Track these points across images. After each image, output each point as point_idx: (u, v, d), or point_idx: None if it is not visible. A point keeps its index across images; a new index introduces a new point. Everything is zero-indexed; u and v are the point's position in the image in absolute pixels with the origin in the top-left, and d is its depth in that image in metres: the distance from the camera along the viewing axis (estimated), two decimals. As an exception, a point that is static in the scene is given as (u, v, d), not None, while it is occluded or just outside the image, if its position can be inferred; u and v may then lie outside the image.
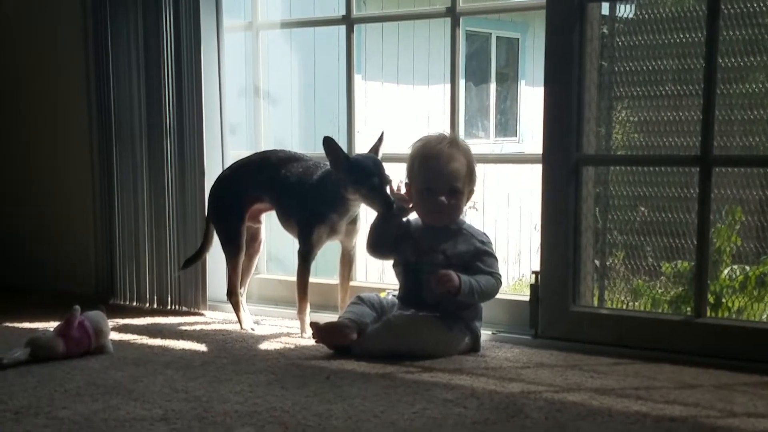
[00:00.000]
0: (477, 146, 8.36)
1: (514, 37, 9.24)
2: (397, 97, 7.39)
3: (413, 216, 2.92)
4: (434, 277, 2.69)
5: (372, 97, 6.98)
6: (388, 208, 2.84)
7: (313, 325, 2.83)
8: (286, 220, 3.14)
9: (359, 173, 2.87)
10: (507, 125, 9.40)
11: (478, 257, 2.78)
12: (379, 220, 2.90)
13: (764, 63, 2.73)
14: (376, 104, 6.99)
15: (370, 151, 3.01)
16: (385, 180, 2.88)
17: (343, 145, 3.34)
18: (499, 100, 9.26)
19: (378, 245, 2.92)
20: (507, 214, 7.88)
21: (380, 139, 3.03)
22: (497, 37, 9.04)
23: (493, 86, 9.11)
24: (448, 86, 3.29)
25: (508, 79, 9.45)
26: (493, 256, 2.82)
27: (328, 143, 2.89)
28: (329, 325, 2.80)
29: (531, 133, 8.94)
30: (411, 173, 2.86)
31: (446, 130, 2.95)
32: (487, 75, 9.08)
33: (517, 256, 8.11)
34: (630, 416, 2.17)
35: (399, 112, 7.15)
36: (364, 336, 2.75)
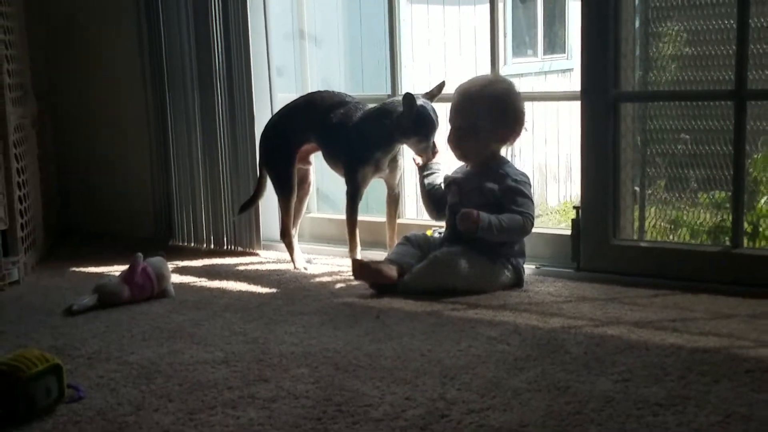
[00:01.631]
0: (526, 64, 8.37)
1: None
2: (444, 18, 7.36)
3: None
4: (458, 216, 2.82)
5: (418, 21, 6.96)
6: (432, 154, 3.07)
7: (355, 262, 2.96)
8: (332, 160, 3.26)
9: (422, 124, 3.03)
10: (555, 42, 9.31)
11: (509, 195, 2.88)
12: (421, 183, 3.12)
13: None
14: (422, 28, 6.97)
15: (426, 95, 3.11)
16: (436, 129, 3.07)
17: (388, 83, 3.43)
18: (546, 17, 9.16)
19: (433, 205, 3.14)
20: (557, 132, 7.89)
21: (440, 88, 3.14)
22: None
23: (540, 2, 9.01)
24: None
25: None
26: (524, 194, 2.89)
27: (408, 99, 3.01)
28: (369, 264, 2.93)
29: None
30: None
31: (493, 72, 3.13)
32: (535, -9, 8.97)
33: (568, 173, 8.13)
34: (665, 348, 2.28)
35: (446, 35, 7.14)
36: (410, 273, 2.88)
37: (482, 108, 2.91)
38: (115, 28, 3.92)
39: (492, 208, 2.85)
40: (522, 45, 8.82)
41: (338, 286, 3.07)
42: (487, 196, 2.89)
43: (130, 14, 3.79)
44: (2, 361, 2.01)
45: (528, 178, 2.95)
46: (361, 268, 2.93)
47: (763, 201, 2.99)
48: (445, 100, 3.11)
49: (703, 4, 2.87)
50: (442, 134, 3.08)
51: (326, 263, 3.42)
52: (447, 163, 3.16)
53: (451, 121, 2.99)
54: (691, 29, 2.91)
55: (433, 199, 3.13)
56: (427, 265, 2.88)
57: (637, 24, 2.92)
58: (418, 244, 2.99)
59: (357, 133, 3.13)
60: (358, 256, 3.20)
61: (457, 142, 2.98)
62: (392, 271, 2.89)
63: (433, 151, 3.08)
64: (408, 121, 3.02)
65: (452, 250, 2.89)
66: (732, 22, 2.71)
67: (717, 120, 2.87)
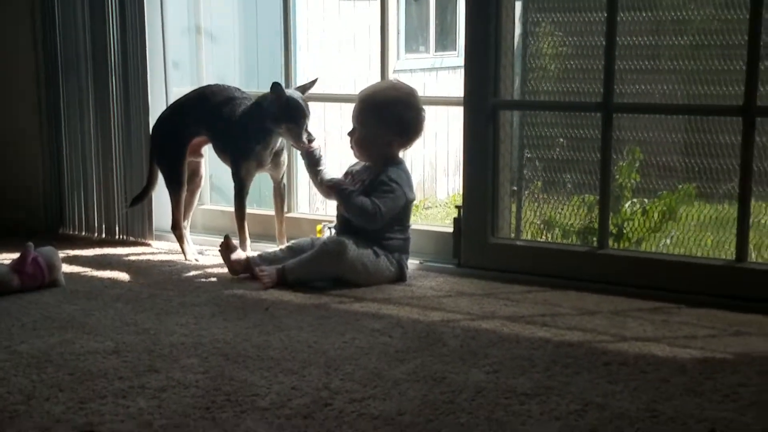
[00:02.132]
0: (418, 60, 8.54)
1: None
2: (339, 13, 7.46)
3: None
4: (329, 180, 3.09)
5: (314, 14, 7.05)
6: (298, 143, 3.17)
7: (226, 239, 3.14)
8: (221, 153, 3.35)
9: (291, 110, 3.13)
10: (447, 39, 9.51)
11: (376, 187, 3.05)
12: (312, 176, 3.23)
13: (656, 17, 2.98)
14: (318, 22, 7.06)
15: (299, 88, 3.25)
16: (307, 117, 3.17)
17: (282, 78, 3.54)
18: (439, 14, 9.35)
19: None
20: (447, 127, 8.10)
21: (312, 83, 3.29)
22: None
23: (432, 0, 9.19)
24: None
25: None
26: (387, 191, 3.03)
27: (276, 88, 3.13)
28: (232, 245, 3.15)
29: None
30: None
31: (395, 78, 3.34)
32: (426, -12, 9.14)
33: (457, 168, 8.37)
34: (534, 342, 2.46)
35: (340, 30, 7.24)
36: (298, 259, 3.01)
37: (371, 112, 3.06)
38: (11, 12, 3.88)
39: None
40: (414, 41, 8.99)
41: (229, 277, 3.15)
42: (364, 186, 3.07)
43: (26, 2, 3.76)
44: None
45: (403, 183, 3.07)
46: (226, 248, 3.14)
47: (627, 205, 3.22)
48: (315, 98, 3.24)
49: (578, 22, 3.08)
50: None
51: (217, 255, 3.48)
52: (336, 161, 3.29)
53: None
54: (566, 44, 3.12)
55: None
56: (315, 252, 3.00)
57: (516, 37, 3.11)
58: (301, 250, 3.11)
59: (239, 128, 3.23)
60: (248, 249, 3.30)
61: (351, 142, 3.15)
62: (240, 264, 3.13)
63: (309, 138, 3.17)
64: (278, 108, 3.14)
65: (340, 238, 3.02)
66: (602, 39, 2.91)
67: (587, 129, 3.09)
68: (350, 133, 3.14)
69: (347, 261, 2.97)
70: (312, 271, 3.00)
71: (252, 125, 3.19)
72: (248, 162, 3.22)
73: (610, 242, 3.07)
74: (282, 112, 3.14)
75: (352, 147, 3.16)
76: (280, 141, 3.26)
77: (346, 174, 3.20)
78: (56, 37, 3.68)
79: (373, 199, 3.00)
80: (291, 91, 3.19)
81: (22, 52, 3.86)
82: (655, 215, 3.19)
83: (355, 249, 2.98)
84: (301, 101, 3.15)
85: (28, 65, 3.82)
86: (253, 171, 3.26)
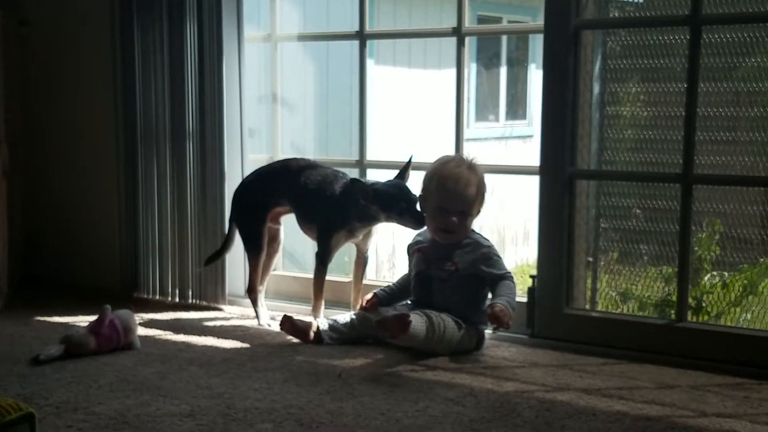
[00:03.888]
0: (487, 129, 8.59)
1: (524, 20, 9.37)
2: (409, 80, 7.55)
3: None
4: (491, 316, 2.86)
5: (384, 82, 7.15)
6: (421, 224, 3.13)
7: (286, 318, 3.15)
8: (306, 223, 3.38)
9: (387, 201, 3.14)
10: (517, 108, 9.56)
11: (487, 262, 3.02)
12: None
13: (734, 88, 2.95)
14: (388, 90, 7.16)
15: (398, 176, 3.24)
16: (412, 201, 3.14)
17: (356, 152, 3.59)
18: (509, 84, 9.41)
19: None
20: (516, 196, 8.09)
21: (408, 164, 3.26)
22: (508, 21, 9.17)
23: (503, 70, 9.26)
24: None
25: (518, 62, 9.60)
26: (499, 256, 3.05)
27: (355, 184, 3.18)
28: (296, 322, 3.14)
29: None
30: (427, 190, 3.08)
31: (467, 153, 3.19)
32: (498, 58, 9.22)
33: (525, 237, 8.32)
34: (611, 415, 2.41)
35: (411, 97, 7.33)
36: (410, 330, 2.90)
37: (475, 192, 3.02)
38: (92, 81, 4.01)
39: (461, 277, 3.00)
40: (484, 109, 9.05)
41: (301, 343, 3.16)
42: (457, 266, 3.02)
43: (108, 69, 3.88)
44: (-22, 408, 2.08)
45: (489, 240, 3.11)
46: (288, 322, 3.15)
47: (706, 278, 3.16)
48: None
49: (657, 92, 3.07)
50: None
51: (289, 321, 3.51)
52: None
53: (447, 205, 3.01)
54: (643, 114, 3.11)
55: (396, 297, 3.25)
56: (427, 322, 2.91)
57: (593, 107, 3.11)
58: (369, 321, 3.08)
59: (336, 202, 3.24)
60: (321, 316, 3.31)
61: (457, 227, 3.03)
62: (309, 335, 3.12)
63: (449, 225, 3.04)
64: (373, 203, 3.15)
65: (442, 315, 2.95)
66: (680, 109, 2.89)
67: (666, 200, 3.05)
68: (460, 219, 3.02)
69: (445, 338, 2.94)
70: (419, 341, 2.91)
71: (351, 204, 3.19)
72: (340, 232, 3.25)
73: (689, 315, 3.01)
74: (378, 205, 3.16)
75: (452, 231, 3.03)
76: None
77: (413, 252, 3.16)
78: (136, 104, 3.78)
79: (497, 272, 2.98)
80: (384, 181, 3.22)
81: (103, 122, 3.97)
82: (736, 289, 3.12)
83: (449, 325, 2.95)
84: (392, 187, 3.17)
85: (108, 132, 3.93)
86: (342, 241, 3.28)
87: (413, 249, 3.18)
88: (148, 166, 3.80)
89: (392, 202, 3.13)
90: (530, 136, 8.97)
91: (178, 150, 3.72)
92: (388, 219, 3.18)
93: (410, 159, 3.26)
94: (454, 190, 3.01)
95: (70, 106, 4.12)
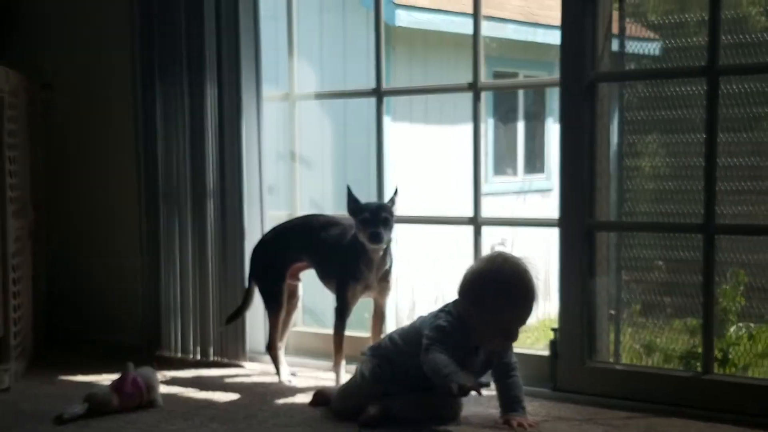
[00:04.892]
0: (505, 183, 8.60)
1: (540, 75, 9.43)
2: (426, 137, 7.60)
3: None
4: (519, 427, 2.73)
5: (401, 139, 7.20)
6: (373, 241, 3.12)
7: (317, 393, 3.08)
8: (326, 279, 3.39)
9: (357, 211, 3.19)
10: (535, 162, 9.58)
11: (504, 352, 2.88)
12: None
13: (755, 138, 2.96)
14: (405, 146, 7.20)
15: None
16: (375, 214, 3.15)
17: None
18: (527, 138, 9.44)
19: None
20: (536, 251, 8.08)
21: (394, 194, 3.29)
22: (524, 76, 9.23)
23: (521, 124, 9.30)
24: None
25: (536, 117, 9.64)
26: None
27: (349, 191, 3.22)
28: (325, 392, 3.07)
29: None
30: (483, 296, 2.71)
31: (510, 250, 3.08)
32: (515, 113, 9.27)
33: (546, 292, 8.30)
34: (638, 471, 2.37)
35: (428, 153, 7.37)
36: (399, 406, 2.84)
37: None
38: (115, 142, 4.07)
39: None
40: (502, 164, 9.07)
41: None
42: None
43: (130, 130, 3.93)
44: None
45: None
46: (319, 397, 3.07)
47: (732, 329, 3.13)
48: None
49: (675, 143, 3.08)
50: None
51: (310, 376, 3.50)
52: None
53: (518, 322, 2.77)
54: (663, 165, 3.11)
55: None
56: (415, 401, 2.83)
57: (611, 158, 3.12)
58: None
59: (343, 251, 3.26)
60: (342, 370, 3.29)
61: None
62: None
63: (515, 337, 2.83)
64: (351, 213, 3.21)
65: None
66: (700, 160, 2.89)
67: (688, 251, 3.04)
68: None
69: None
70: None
71: (356, 247, 3.21)
72: (355, 284, 3.24)
73: (716, 367, 2.98)
74: (352, 211, 3.21)
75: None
76: (387, 260, 3.26)
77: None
78: (157, 163, 3.82)
79: (511, 361, 2.88)
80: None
81: (125, 182, 4.01)
82: (763, 340, 3.09)
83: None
84: (370, 202, 3.21)
85: (131, 194, 3.96)
86: (358, 294, 3.27)
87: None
88: (169, 225, 3.83)
89: (360, 211, 3.17)
90: (549, 190, 8.97)
91: (198, 208, 3.75)
92: (357, 232, 3.18)
93: (396, 190, 3.29)
94: (528, 306, 2.75)
95: (93, 167, 4.17)
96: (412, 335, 2.84)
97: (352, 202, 3.22)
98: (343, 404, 2.94)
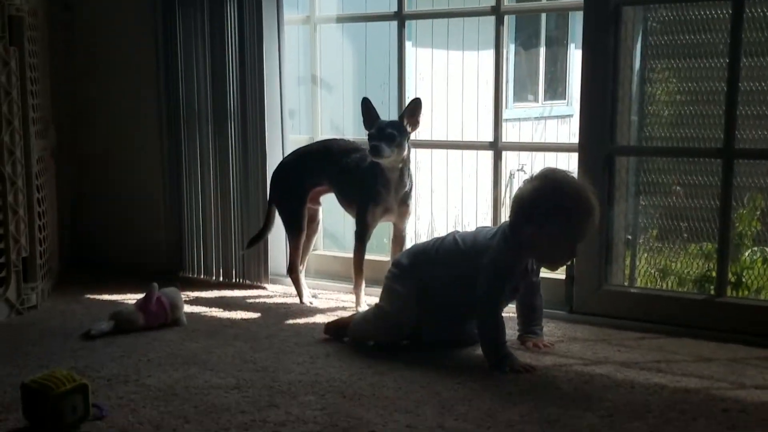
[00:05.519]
0: (526, 109, 8.57)
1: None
2: (447, 63, 7.55)
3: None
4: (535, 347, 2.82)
5: (422, 65, 7.16)
6: (374, 154, 3.14)
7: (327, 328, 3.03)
8: (346, 202, 3.43)
9: (370, 125, 3.21)
10: (556, 88, 9.51)
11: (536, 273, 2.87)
12: None
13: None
14: (427, 71, 7.17)
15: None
16: (382, 130, 3.15)
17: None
18: (548, 64, 9.36)
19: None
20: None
21: (414, 105, 3.24)
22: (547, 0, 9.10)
23: (542, 50, 9.21)
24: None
25: (558, 42, 9.54)
26: None
27: (365, 104, 3.23)
28: (338, 323, 3.02)
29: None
30: (549, 214, 2.58)
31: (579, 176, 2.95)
32: (537, 39, 9.18)
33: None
34: (649, 388, 2.43)
35: (449, 78, 7.33)
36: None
37: None
38: (136, 65, 4.08)
39: None
40: (523, 90, 9.01)
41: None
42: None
43: (151, 53, 3.95)
44: (34, 379, 2.17)
45: None
46: (332, 329, 3.02)
47: (747, 253, 3.16)
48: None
49: (697, 67, 3.06)
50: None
51: (331, 298, 3.57)
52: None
53: (583, 230, 2.63)
54: (685, 90, 3.10)
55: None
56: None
57: (634, 84, 3.11)
58: None
59: (364, 175, 3.29)
60: (362, 292, 3.35)
61: None
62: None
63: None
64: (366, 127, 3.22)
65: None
66: (722, 84, 2.90)
67: (706, 176, 3.05)
68: None
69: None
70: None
71: (375, 170, 3.24)
72: (375, 207, 3.28)
73: (729, 291, 3.02)
74: (366, 126, 3.22)
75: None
76: (406, 183, 3.29)
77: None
78: (179, 89, 3.85)
79: (537, 279, 2.89)
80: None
81: (146, 105, 4.05)
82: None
83: None
84: (383, 119, 3.20)
85: (153, 117, 4.00)
86: (378, 217, 3.30)
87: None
88: (191, 149, 3.87)
89: (371, 126, 3.19)
90: (569, 116, 8.93)
91: (220, 132, 3.78)
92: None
93: (416, 102, 3.22)
94: (592, 228, 2.67)
95: (115, 90, 4.19)
96: (455, 255, 2.77)
97: (366, 115, 3.23)
98: (361, 333, 2.92)
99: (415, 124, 3.22)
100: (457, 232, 2.88)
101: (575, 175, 2.78)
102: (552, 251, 2.67)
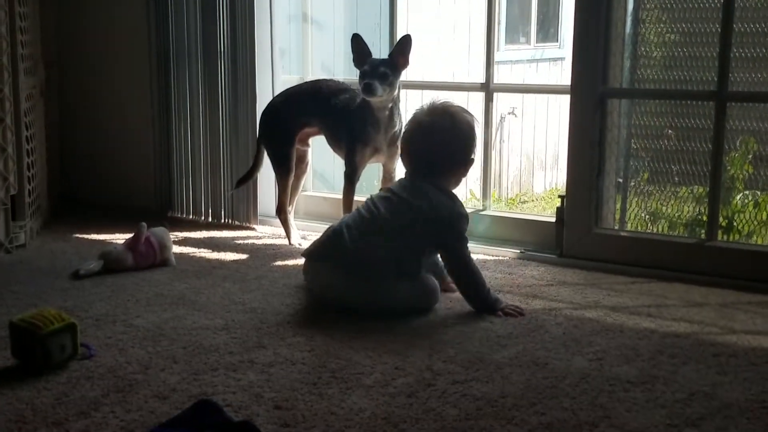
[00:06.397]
0: (518, 51, 8.49)
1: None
2: (439, 3, 7.46)
3: None
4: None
5: (414, 4, 7.07)
6: (366, 92, 3.10)
7: None
8: (335, 143, 3.39)
9: (361, 63, 3.16)
10: (548, 30, 9.42)
11: None
12: None
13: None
14: (419, 12, 7.08)
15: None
16: (375, 68, 3.11)
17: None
18: (540, 5, 9.26)
19: None
20: (546, 120, 8.04)
21: (404, 43, 3.19)
22: (541, -63, 8.98)
23: (534, -9, 9.11)
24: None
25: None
26: None
27: (356, 40, 3.19)
28: None
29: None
30: (471, 149, 2.74)
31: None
32: (529, -20, 9.06)
33: (555, 161, 8.30)
34: (639, 332, 2.44)
35: (441, 19, 7.25)
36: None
37: None
38: (125, 2, 4.02)
39: None
40: (515, 32, 8.92)
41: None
42: None
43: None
44: (22, 318, 2.16)
45: None
46: None
47: (738, 197, 3.15)
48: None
49: (691, 8, 3.02)
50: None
51: (320, 240, 3.56)
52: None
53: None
54: (678, 31, 3.06)
55: None
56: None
57: (627, 25, 3.07)
58: None
59: (353, 115, 3.26)
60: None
61: None
62: None
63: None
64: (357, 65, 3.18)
65: None
66: (717, 26, 2.86)
67: (699, 119, 3.03)
68: None
69: None
70: None
71: (365, 111, 3.20)
72: (364, 147, 3.24)
73: (720, 234, 3.02)
74: (356, 64, 3.17)
75: None
76: (396, 122, 3.24)
77: None
78: (169, 26, 3.78)
79: None
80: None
81: (133, 38, 3.99)
82: (768, 208, 3.11)
83: None
84: (374, 57, 3.15)
85: (140, 51, 3.95)
86: (367, 157, 3.28)
87: None
88: (180, 88, 3.82)
89: (362, 65, 3.14)
90: (561, 59, 8.86)
91: (209, 70, 3.73)
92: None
93: (406, 39, 3.17)
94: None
95: (104, 27, 4.13)
96: (404, 222, 2.65)
97: (357, 52, 3.18)
98: None
99: (405, 62, 3.18)
100: (372, 200, 2.76)
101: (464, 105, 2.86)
102: (457, 181, 2.77)
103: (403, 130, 2.92)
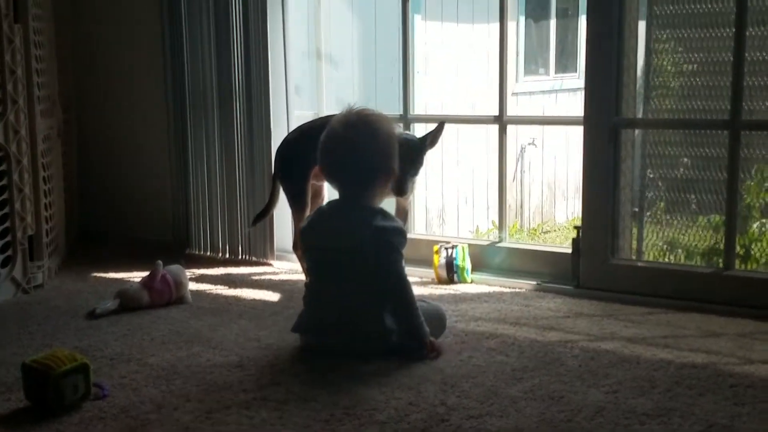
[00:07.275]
0: (537, 83, 8.50)
1: (575, -30, 9.21)
2: (457, 36, 7.49)
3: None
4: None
5: (432, 38, 7.10)
6: (398, 192, 3.03)
7: None
8: None
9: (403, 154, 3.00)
10: (567, 61, 9.43)
11: None
12: None
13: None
14: (436, 44, 7.11)
15: (427, 135, 3.13)
16: (412, 166, 3.05)
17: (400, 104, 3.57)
18: (559, 36, 9.28)
19: None
20: (567, 150, 8.03)
21: (439, 129, 3.12)
22: (554, -29, 9.03)
23: (553, 22, 9.13)
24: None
25: (569, 14, 9.45)
26: None
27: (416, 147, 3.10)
28: None
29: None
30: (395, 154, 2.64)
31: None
32: (548, 11, 9.09)
33: (576, 191, 8.28)
34: (656, 363, 2.41)
35: (458, 53, 7.28)
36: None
37: None
38: (141, 42, 4.07)
39: None
40: (533, 63, 8.94)
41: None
42: None
43: (155, 30, 3.93)
44: (35, 359, 2.17)
45: None
46: None
47: (755, 225, 3.12)
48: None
49: (703, 38, 3.01)
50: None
51: (337, 274, 3.55)
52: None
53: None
54: (690, 60, 3.06)
55: None
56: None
57: (639, 54, 3.07)
58: None
59: None
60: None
61: None
62: None
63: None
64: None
65: None
66: (728, 55, 2.85)
67: (713, 147, 3.01)
68: None
69: None
70: None
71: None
72: None
73: (737, 263, 2.99)
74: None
75: None
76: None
77: None
78: (184, 64, 3.82)
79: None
80: (412, 137, 3.14)
81: (150, 76, 4.04)
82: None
83: None
84: (416, 145, 3.08)
85: (156, 89, 3.99)
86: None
87: None
88: (196, 125, 3.85)
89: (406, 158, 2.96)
90: (581, 89, 8.84)
91: (225, 108, 3.76)
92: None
93: (441, 124, 3.12)
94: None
95: (120, 68, 4.18)
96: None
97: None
98: None
99: (432, 146, 3.15)
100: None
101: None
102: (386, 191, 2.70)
103: (319, 146, 2.76)
